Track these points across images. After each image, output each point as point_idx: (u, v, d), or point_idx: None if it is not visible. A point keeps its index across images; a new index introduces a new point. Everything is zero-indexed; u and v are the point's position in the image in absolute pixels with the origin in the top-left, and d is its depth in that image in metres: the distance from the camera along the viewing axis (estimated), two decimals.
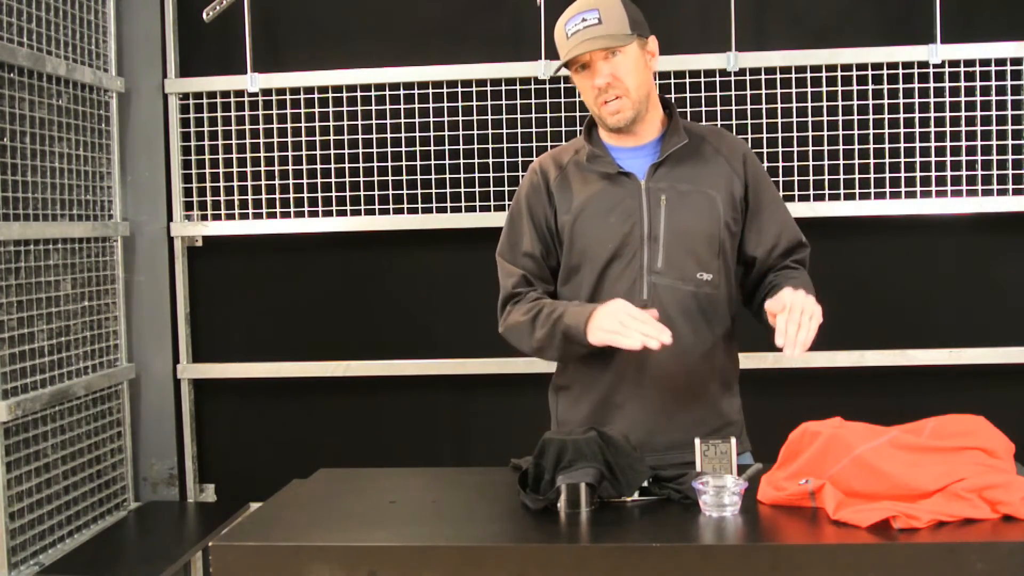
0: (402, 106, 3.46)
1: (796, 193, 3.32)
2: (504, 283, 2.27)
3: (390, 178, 3.46)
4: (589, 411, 2.22)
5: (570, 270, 2.23)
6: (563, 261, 2.24)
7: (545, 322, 2.14)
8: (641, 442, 2.08)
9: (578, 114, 3.39)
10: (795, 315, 1.94)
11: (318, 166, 3.48)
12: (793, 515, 1.78)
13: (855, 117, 3.33)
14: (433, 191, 3.46)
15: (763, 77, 3.34)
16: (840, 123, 3.34)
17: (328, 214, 3.48)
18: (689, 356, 2.17)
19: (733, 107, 3.34)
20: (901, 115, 3.32)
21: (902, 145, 3.32)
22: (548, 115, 3.41)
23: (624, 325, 1.98)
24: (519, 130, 3.42)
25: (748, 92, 3.35)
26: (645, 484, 1.89)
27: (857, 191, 3.33)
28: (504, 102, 3.43)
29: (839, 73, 3.33)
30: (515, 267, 2.26)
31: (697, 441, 1.95)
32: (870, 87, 3.32)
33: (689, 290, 2.16)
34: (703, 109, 3.35)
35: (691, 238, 2.16)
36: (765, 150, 3.31)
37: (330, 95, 3.47)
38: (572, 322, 2.08)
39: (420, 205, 3.46)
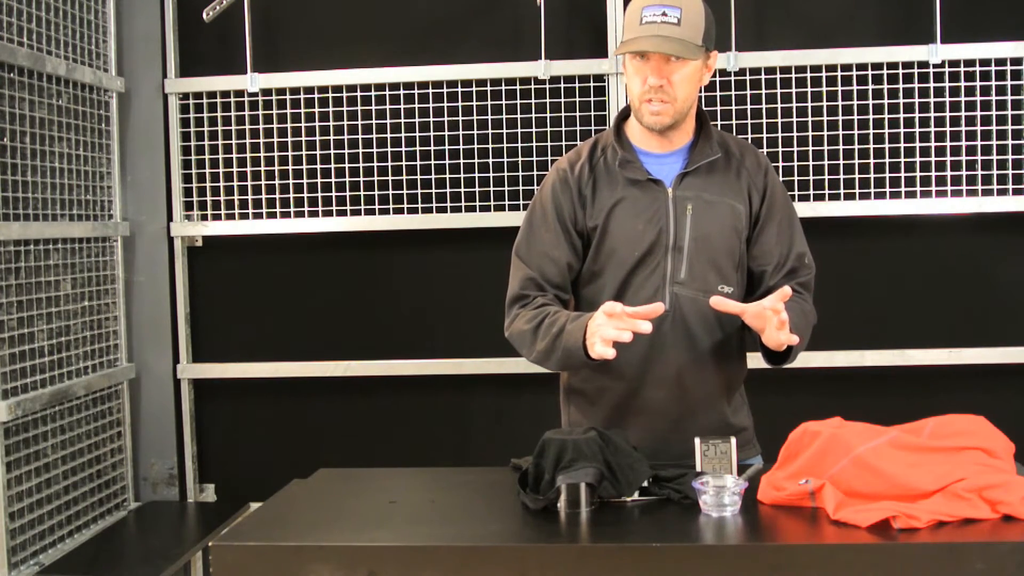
0: (402, 106, 3.46)
1: (796, 193, 3.32)
2: (512, 283, 2.22)
3: (390, 178, 3.46)
4: (604, 417, 2.21)
5: (593, 273, 2.20)
6: (587, 262, 2.20)
7: (545, 334, 2.09)
8: (656, 450, 2.08)
9: (578, 114, 3.39)
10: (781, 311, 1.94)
11: (318, 166, 3.48)
12: (793, 515, 1.78)
13: (855, 117, 3.33)
14: (433, 191, 3.45)
15: (763, 77, 3.34)
16: (840, 123, 3.33)
17: (328, 214, 3.48)
18: (707, 366, 2.18)
19: (733, 107, 3.34)
20: (901, 115, 3.32)
21: (902, 145, 3.32)
22: (548, 115, 3.41)
23: (612, 334, 1.91)
24: (519, 130, 3.42)
25: (748, 92, 3.34)
26: (645, 484, 1.89)
27: (857, 191, 3.33)
28: (504, 102, 3.43)
29: (839, 73, 3.33)
30: (528, 268, 2.20)
31: (697, 441, 1.95)
32: (870, 87, 3.32)
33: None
34: (703, 109, 3.34)
35: (714, 250, 2.15)
36: (765, 150, 3.31)
37: (330, 95, 3.47)
38: (571, 342, 2.02)
39: (420, 205, 3.46)
